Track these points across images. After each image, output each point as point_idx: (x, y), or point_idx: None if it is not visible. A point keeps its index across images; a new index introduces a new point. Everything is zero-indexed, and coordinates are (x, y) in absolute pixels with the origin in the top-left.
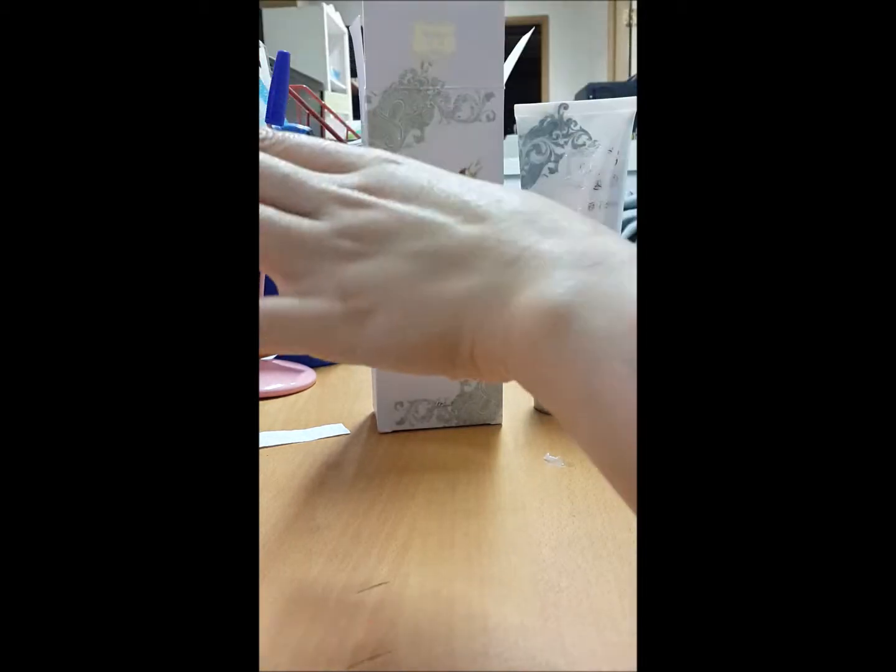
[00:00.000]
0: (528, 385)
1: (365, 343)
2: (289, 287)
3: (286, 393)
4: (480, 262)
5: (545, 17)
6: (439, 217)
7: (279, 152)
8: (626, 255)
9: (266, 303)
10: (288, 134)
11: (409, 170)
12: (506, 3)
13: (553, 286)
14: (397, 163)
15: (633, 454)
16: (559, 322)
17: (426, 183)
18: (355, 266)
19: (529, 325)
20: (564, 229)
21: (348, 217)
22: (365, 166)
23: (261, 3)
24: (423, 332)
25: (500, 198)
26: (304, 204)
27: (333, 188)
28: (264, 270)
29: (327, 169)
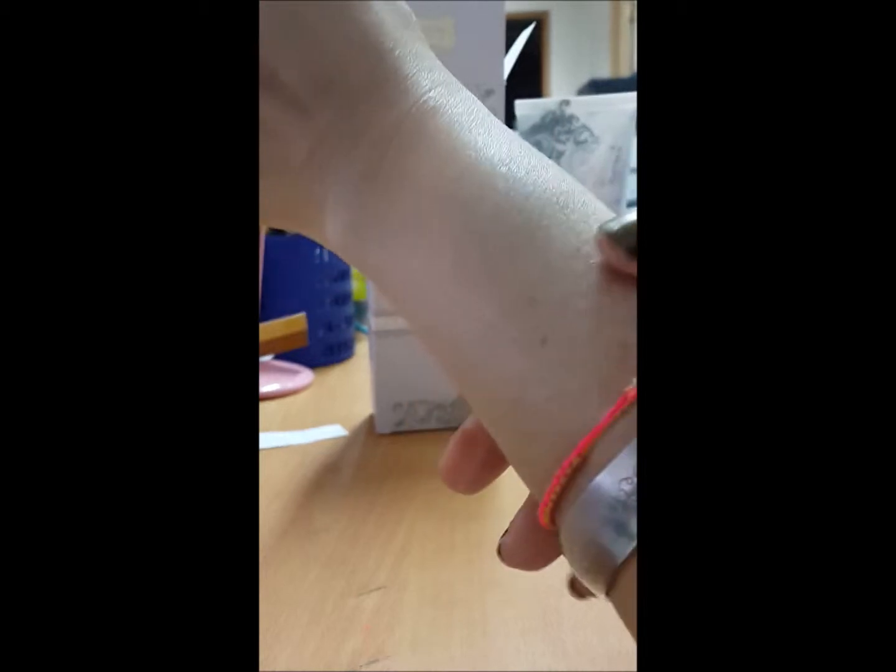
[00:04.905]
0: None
1: None
2: None
3: (283, 394)
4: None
5: (546, 12)
6: None
7: None
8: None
9: None
10: None
11: None
12: None
13: (332, 224)
14: None
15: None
16: (349, 251)
17: None
18: None
19: (333, 245)
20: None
21: None
22: None
23: None
24: None
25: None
26: None
27: None
28: None
29: None
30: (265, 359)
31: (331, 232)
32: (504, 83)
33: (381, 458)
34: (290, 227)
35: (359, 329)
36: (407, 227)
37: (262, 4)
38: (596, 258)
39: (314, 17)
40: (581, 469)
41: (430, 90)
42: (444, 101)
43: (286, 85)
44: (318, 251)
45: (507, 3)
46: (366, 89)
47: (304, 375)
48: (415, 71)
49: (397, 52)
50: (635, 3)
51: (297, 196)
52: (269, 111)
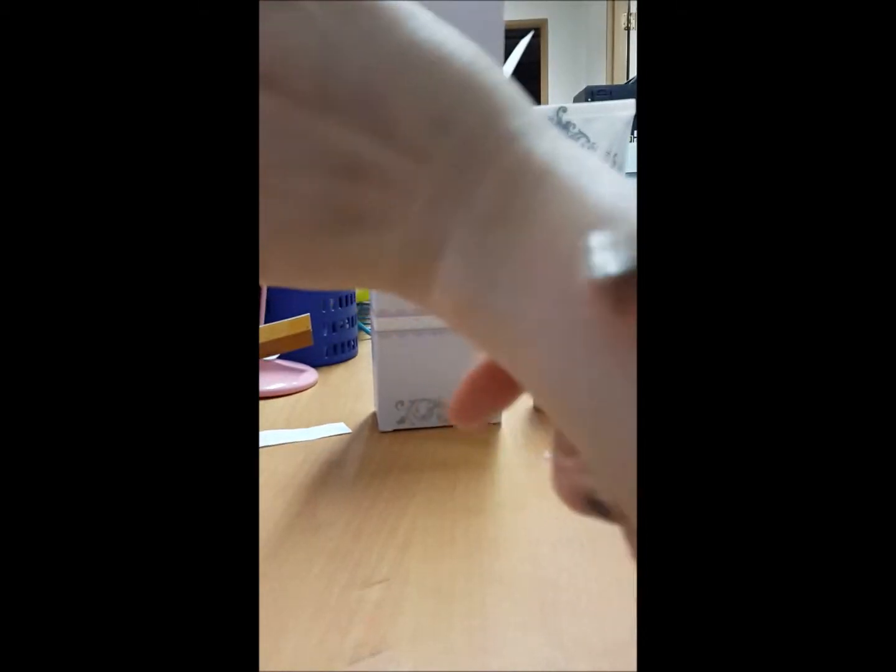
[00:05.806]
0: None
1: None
2: None
3: (288, 392)
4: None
5: (544, 21)
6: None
7: None
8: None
9: None
10: None
11: None
12: (504, 6)
13: (448, 274)
14: None
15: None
16: (466, 320)
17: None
18: None
19: (444, 312)
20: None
21: None
22: None
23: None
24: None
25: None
26: None
27: None
28: None
29: None
30: (271, 358)
31: (446, 284)
32: None
33: (383, 454)
34: (391, 289)
35: (362, 329)
36: (541, 268)
37: (371, 57)
38: None
39: (424, 62)
40: None
41: (546, 126)
42: (556, 136)
43: (404, 131)
44: None
45: (506, 11)
46: (484, 126)
47: (309, 374)
48: (525, 105)
49: (501, 87)
50: (632, 12)
51: (410, 250)
52: (387, 161)
